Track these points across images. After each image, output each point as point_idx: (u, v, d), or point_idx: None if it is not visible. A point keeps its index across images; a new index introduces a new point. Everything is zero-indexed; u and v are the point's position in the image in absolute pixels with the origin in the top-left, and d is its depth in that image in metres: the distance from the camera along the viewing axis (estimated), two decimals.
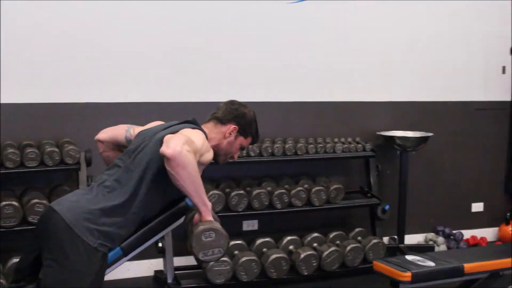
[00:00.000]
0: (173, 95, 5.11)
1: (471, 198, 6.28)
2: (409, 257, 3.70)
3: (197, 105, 5.12)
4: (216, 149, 3.11)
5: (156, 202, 2.92)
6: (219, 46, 5.21)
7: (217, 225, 2.74)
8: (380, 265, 3.64)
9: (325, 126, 5.59)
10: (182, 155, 2.64)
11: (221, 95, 5.09)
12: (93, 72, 4.88)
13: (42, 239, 2.76)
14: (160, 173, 2.83)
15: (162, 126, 3.13)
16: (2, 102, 4.59)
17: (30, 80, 4.70)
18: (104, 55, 4.90)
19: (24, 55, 4.68)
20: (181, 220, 3.01)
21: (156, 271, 4.97)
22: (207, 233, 2.71)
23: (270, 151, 5.01)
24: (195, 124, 3.11)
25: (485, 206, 6.31)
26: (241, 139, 3.23)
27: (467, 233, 6.10)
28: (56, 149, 4.42)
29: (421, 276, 3.46)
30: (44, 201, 4.28)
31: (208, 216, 2.80)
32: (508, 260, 3.72)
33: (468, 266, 3.57)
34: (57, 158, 4.40)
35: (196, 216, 2.84)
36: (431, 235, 5.97)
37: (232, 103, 3.26)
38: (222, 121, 3.19)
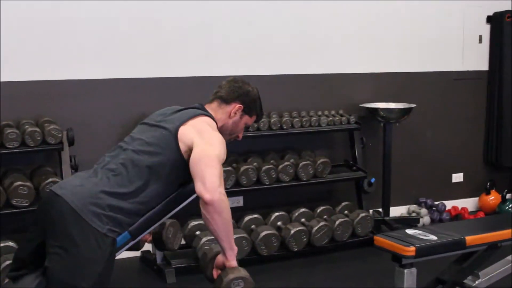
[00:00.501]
0: (154, 71, 4.98)
1: (451, 169, 6.28)
2: (409, 231, 3.64)
3: (177, 80, 5.05)
4: (221, 129, 2.99)
5: (165, 193, 2.79)
6: (196, 20, 5.07)
7: (246, 273, 2.70)
8: (381, 240, 3.57)
9: (307, 99, 5.51)
10: (220, 201, 2.57)
11: (200, 70, 5.06)
12: (71, 48, 4.71)
13: (46, 226, 2.61)
14: (173, 168, 2.74)
15: (168, 110, 2.99)
16: None
17: (4, 57, 4.49)
18: (83, 30, 4.73)
19: None
20: (188, 200, 2.90)
21: (143, 252, 4.84)
22: (236, 281, 2.66)
23: (255, 126, 4.90)
24: (202, 110, 2.98)
25: (465, 177, 6.33)
26: (246, 118, 3.10)
27: (448, 204, 6.10)
28: (37, 129, 4.26)
29: (424, 250, 3.41)
30: (28, 183, 4.13)
31: (234, 261, 2.72)
32: (508, 231, 3.70)
33: (469, 239, 3.53)
34: (38, 138, 4.24)
35: (220, 258, 2.75)
36: (413, 207, 5.96)
37: (235, 81, 3.11)
38: (226, 100, 3.05)
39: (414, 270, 3.42)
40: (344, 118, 5.29)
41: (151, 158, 2.72)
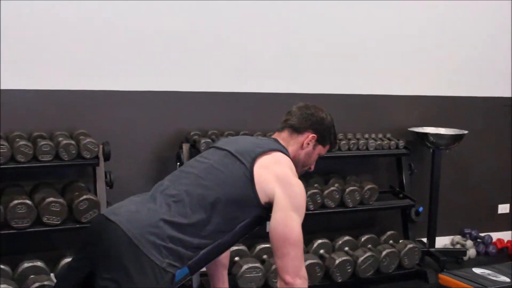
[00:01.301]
0: (193, 85, 4.68)
1: (497, 199, 5.96)
2: (477, 271, 3.37)
3: (215, 95, 4.78)
4: (293, 161, 2.69)
5: (230, 227, 2.54)
6: (237, 34, 4.78)
7: None
8: (448, 279, 3.29)
9: (351, 121, 5.19)
10: (301, 286, 2.43)
11: (241, 86, 4.79)
12: (109, 57, 4.41)
13: (96, 255, 2.32)
14: (244, 205, 2.52)
15: (240, 139, 2.78)
16: (2, 88, 4.10)
17: (36, 64, 4.22)
18: (121, 39, 4.44)
19: (30, 35, 4.18)
20: (254, 230, 2.64)
21: None
22: None
23: None
24: (278, 144, 2.72)
25: (511, 208, 6.00)
26: (319, 148, 2.82)
27: (493, 236, 5.77)
28: (72, 142, 3.97)
29: None
30: (60, 200, 3.83)
31: None
32: None
33: None
34: (73, 151, 3.95)
35: None
36: (457, 237, 5.64)
37: (306, 107, 2.83)
38: (298, 129, 2.77)
39: None
40: (393, 142, 4.98)
41: (218, 188, 2.46)
